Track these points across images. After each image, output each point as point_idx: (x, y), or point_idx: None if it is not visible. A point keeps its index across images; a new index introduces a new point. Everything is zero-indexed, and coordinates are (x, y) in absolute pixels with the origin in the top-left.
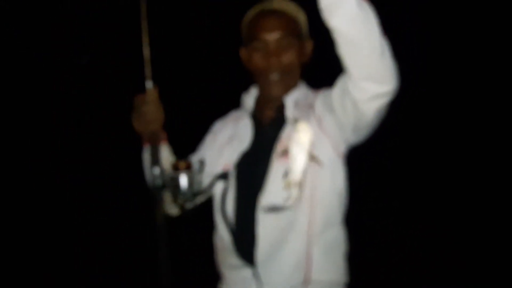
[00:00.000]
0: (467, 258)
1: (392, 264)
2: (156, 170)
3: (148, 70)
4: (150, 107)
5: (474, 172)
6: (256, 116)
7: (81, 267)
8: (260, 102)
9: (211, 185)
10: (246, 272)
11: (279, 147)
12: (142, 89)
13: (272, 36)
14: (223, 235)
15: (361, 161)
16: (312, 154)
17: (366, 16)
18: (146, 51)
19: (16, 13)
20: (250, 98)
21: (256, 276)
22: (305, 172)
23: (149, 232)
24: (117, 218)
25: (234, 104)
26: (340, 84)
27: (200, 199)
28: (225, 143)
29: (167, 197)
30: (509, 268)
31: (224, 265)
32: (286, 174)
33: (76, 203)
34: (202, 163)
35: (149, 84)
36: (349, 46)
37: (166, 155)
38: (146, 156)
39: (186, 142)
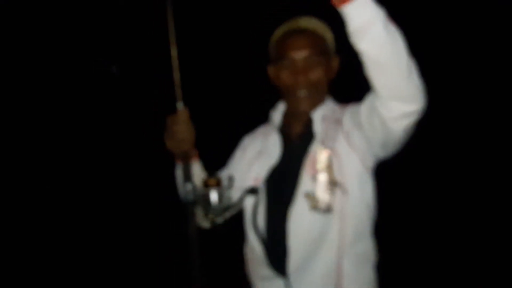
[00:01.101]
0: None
1: (421, 274)
2: (188, 186)
3: (178, 92)
4: (181, 127)
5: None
6: (284, 131)
7: (116, 280)
8: (287, 118)
9: (241, 200)
10: (278, 283)
11: (307, 161)
12: (173, 106)
13: (299, 55)
14: (254, 247)
15: (387, 173)
16: (333, 179)
17: (394, 39)
18: (177, 75)
19: (48, 20)
20: (277, 113)
21: (288, 286)
22: (328, 196)
23: (182, 244)
24: (152, 231)
25: (262, 120)
26: (368, 102)
27: (230, 214)
28: (255, 158)
29: (198, 211)
30: (509, 268)
31: (255, 276)
32: (308, 195)
33: (114, 216)
34: (231, 179)
35: (180, 105)
36: (377, 68)
37: (198, 171)
38: (179, 172)
39: (217, 157)
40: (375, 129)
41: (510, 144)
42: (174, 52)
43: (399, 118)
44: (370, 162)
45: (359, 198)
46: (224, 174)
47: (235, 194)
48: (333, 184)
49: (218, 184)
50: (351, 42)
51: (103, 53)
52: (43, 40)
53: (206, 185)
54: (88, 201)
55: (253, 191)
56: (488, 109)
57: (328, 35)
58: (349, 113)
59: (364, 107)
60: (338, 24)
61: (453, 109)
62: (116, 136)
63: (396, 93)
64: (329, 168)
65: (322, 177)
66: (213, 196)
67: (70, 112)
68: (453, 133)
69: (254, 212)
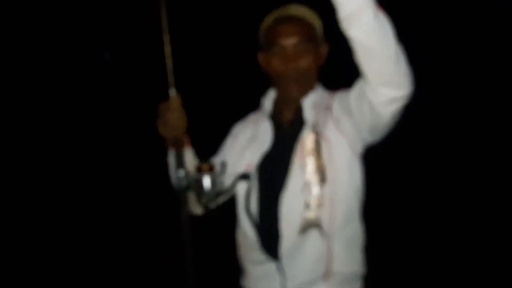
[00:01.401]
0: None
1: (407, 256)
2: (181, 173)
3: (171, 79)
4: (173, 114)
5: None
6: (275, 118)
7: (109, 264)
8: (278, 105)
9: (233, 185)
10: (270, 266)
11: (299, 147)
12: (166, 92)
13: (289, 41)
14: (247, 232)
15: (376, 158)
16: (321, 164)
17: (382, 26)
18: (169, 62)
19: (42, 10)
20: (268, 101)
21: (280, 269)
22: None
23: (174, 230)
24: (144, 218)
25: (252, 107)
26: (358, 88)
27: (222, 199)
28: (246, 144)
29: (191, 197)
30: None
31: (247, 260)
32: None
33: (102, 204)
34: (224, 165)
35: (172, 92)
36: (366, 54)
37: (190, 158)
38: (171, 159)
39: (208, 145)
40: (364, 114)
41: (501, 137)
42: (166, 39)
43: (387, 103)
44: (359, 147)
45: (348, 182)
46: (217, 160)
47: (227, 181)
48: (320, 169)
49: (211, 170)
50: (341, 29)
51: (96, 39)
52: (35, 30)
53: (199, 171)
54: (82, 187)
55: (245, 176)
56: (480, 101)
57: (317, 22)
58: (338, 99)
59: (353, 93)
60: (327, 12)
61: (443, 100)
62: (109, 124)
63: (385, 78)
64: (317, 152)
65: (310, 162)
66: (206, 181)
67: (64, 102)
68: (443, 120)
69: (247, 197)
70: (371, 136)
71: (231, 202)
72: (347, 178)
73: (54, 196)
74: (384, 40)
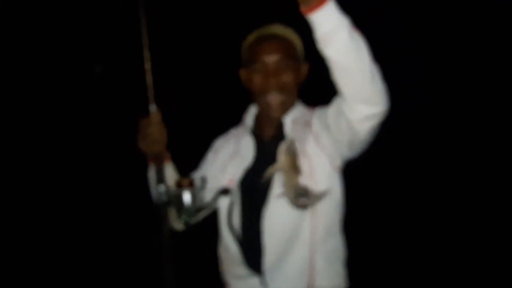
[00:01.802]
0: (467, 259)
1: (389, 268)
2: (161, 188)
3: (151, 95)
4: (154, 129)
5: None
6: (257, 134)
7: (88, 282)
8: (259, 120)
9: (214, 200)
10: (254, 280)
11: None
12: (146, 109)
13: (271, 58)
14: (229, 247)
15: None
16: (298, 165)
17: (358, 46)
18: (149, 78)
19: (34, 20)
20: (249, 116)
21: (263, 284)
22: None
23: (155, 245)
24: (123, 233)
25: (232, 122)
26: (335, 105)
27: (203, 215)
28: (228, 159)
29: (171, 213)
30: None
31: (230, 276)
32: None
33: (82, 217)
34: (204, 180)
35: (152, 108)
36: (342, 73)
37: (170, 173)
38: (151, 174)
39: (189, 159)
40: (342, 131)
41: (497, 140)
42: (147, 55)
43: (364, 120)
44: (338, 162)
45: (328, 196)
46: (197, 175)
47: (208, 196)
48: (297, 169)
49: (191, 185)
50: (318, 48)
51: (84, 54)
52: (30, 40)
53: (179, 186)
54: (65, 203)
55: (225, 191)
56: (476, 104)
57: (298, 42)
58: (317, 115)
59: (331, 110)
60: (306, 32)
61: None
62: (90, 137)
63: (361, 96)
64: (293, 154)
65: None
66: (186, 196)
67: (57, 111)
68: (424, 128)
69: (229, 212)
70: (349, 151)
71: (212, 217)
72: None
73: (54, 196)
74: (360, 59)
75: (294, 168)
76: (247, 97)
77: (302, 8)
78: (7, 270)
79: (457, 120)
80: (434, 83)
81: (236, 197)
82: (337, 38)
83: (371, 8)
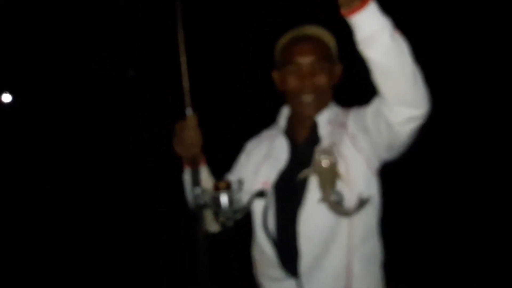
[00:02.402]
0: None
1: (424, 272)
2: (198, 190)
3: (187, 98)
4: (190, 133)
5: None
6: (290, 135)
7: (124, 283)
8: (292, 122)
9: (250, 202)
10: (289, 283)
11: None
12: (182, 111)
13: (306, 60)
14: (265, 249)
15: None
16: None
17: (400, 48)
18: (186, 82)
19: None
20: (282, 117)
21: (299, 286)
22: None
23: (191, 249)
24: (160, 236)
25: (264, 124)
26: (375, 106)
27: (239, 216)
28: (261, 161)
29: (208, 215)
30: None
31: (264, 277)
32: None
33: (123, 221)
34: (240, 183)
35: (189, 111)
36: (384, 75)
37: (205, 176)
38: (187, 177)
39: (222, 162)
40: (381, 133)
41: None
42: (183, 59)
43: (405, 122)
44: (375, 164)
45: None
46: (232, 177)
47: (243, 198)
48: (336, 173)
49: (228, 187)
50: (358, 50)
51: (117, 58)
52: (59, 43)
53: (217, 188)
54: (94, 205)
55: (261, 194)
56: (489, 110)
57: (332, 43)
58: (353, 116)
59: (370, 111)
60: (341, 32)
61: (456, 111)
62: (125, 140)
63: (402, 98)
64: (332, 157)
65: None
66: (223, 199)
67: (77, 114)
68: (456, 134)
69: (264, 215)
70: (387, 153)
71: (245, 219)
72: (365, 194)
73: (54, 196)
74: (401, 61)
75: (333, 172)
76: (279, 99)
77: (343, 11)
78: (7, 270)
79: (462, 122)
80: (437, 85)
81: (270, 199)
82: (379, 40)
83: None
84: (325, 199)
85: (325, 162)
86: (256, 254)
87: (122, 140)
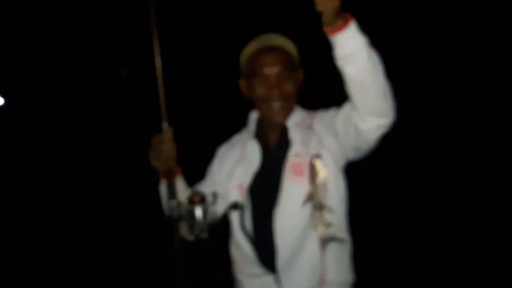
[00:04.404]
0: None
1: (392, 262)
2: (173, 203)
3: (163, 112)
4: (166, 147)
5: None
6: (260, 139)
7: (105, 267)
8: (262, 126)
9: (225, 215)
10: (268, 278)
11: (287, 166)
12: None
13: (272, 70)
14: (243, 248)
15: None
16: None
17: (375, 65)
18: (162, 96)
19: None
20: (252, 123)
21: (277, 281)
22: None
23: (168, 255)
24: (136, 243)
25: (233, 129)
26: (345, 112)
27: (213, 228)
28: (234, 165)
29: (183, 226)
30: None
31: (243, 275)
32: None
33: (96, 230)
34: (215, 196)
35: (165, 125)
36: (358, 88)
37: (182, 187)
38: (163, 189)
39: (193, 168)
40: (349, 136)
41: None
42: (159, 74)
43: (373, 130)
44: (342, 162)
45: (334, 195)
46: (207, 188)
47: (218, 208)
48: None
49: (202, 201)
50: (336, 65)
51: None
52: (49, 43)
53: (191, 202)
54: (91, 205)
55: (235, 206)
56: (484, 109)
57: (294, 51)
58: (320, 118)
59: (340, 117)
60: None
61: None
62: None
63: (373, 109)
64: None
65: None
66: (198, 212)
67: (68, 114)
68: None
69: (241, 216)
70: (354, 154)
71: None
72: (333, 191)
73: (54, 196)
74: (375, 77)
75: (324, 183)
76: (244, 104)
77: (325, 29)
78: (7, 270)
79: (458, 123)
80: (435, 87)
81: (247, 200)
82: (357, 58)
83: (373, 13)
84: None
85: (323, 173)
86: (235, 253)
87: (118, 141)
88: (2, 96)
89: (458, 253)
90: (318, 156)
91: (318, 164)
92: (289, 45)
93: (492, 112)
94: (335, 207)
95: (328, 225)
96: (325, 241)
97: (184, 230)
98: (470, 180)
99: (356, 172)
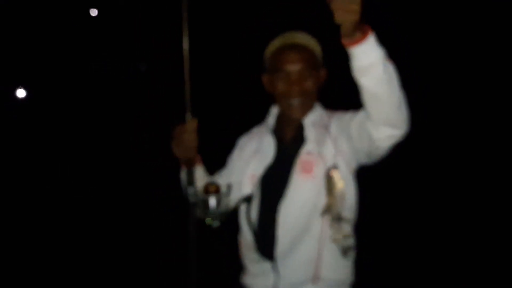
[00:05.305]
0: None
1: (396, 267)
2: (191, 190)
3: (188, 103)
4: (188, 137)
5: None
6: (277, 134)
7: (109, 262)
8: (280, 121)
9: (237, 206)
10: (266, 265)
11: (298, 162)
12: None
13: (294, 68)
14: (246, 236)
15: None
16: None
17: (390, 77)
18: (187, 88)
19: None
20: (271, 117)
21: (274, 269)
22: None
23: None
24: (148, 219)
25: (254, 122)
26: (360, 119)
27: (225, 219)
28: (251, 155)
29: (197, 213)
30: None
31: (247, 259)
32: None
33: (104, 205)
34: (229, 187)
35: (188, 116)
36: (373, 99)
37: (201, 175)
38: (183, 176)
39: (216, 157)
40: (363, 142)
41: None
42: (186, 66)
43: (386, 139)
44: (354, 166)
45: (348, 200)
46: (226, 175)
47: (233, 190)
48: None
49: (217, 191)
50: (352, 75)
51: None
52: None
53: (206, 191)
54: (90, 199)
55: (248, 199)
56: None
57: (317, 49)
58: (337, 120)
59: (355, 122)
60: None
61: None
62: (126, 140)
63: (387, 119)
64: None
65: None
66: (212, 201)
67: (78, 113)
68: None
69: (249, 206)
70: (365, 159)
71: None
72: (347, 198)
73: (54, 196)
74: (390, 89)
75: (342, 194)
76: (267, 99)
77: (344, 41)
78: (7, 270)
79: (458, 124)
80: (435, 88)
81: (257, 190)
82: (373, 71)
83: (376, 15)
84: (329, 214)
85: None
86: (241, 238)
87: (122, 139)
88: (25, 89)
89: (459, 254)
90: (335, 167)
91: (336, 175)
92: (313, 44)
93: (494, 113)
94: (348, 213)
95: (347, 236)
96: (345, 251)
97: (200, 215)
98: (470, 183)
99: (364, 176)
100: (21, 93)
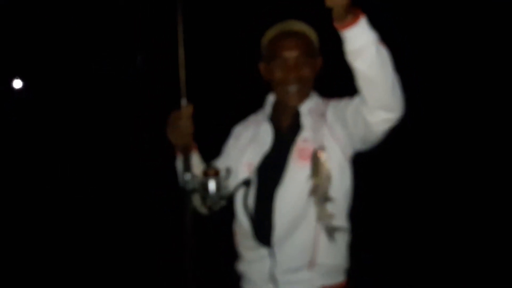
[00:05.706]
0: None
1: (390, 255)
2: (188, 176)
3: (183, 89)
4: (184, 123)
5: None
6: (274, 121)
7: (108, 261)
8: (277, 109)
9: (236, 190)
10: (263, 251)
11: (295, 150)
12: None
13: (291, 54)
14: (243, 223)
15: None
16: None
17: (384, 60)
18: (182, 73)
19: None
20: (268, 105)
21: (271, 255)
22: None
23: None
24: (146, 215)
25: (250, 110)
26: (355, 104)
27: (225, 202)
28: (247, 144)
29: (196, 200)
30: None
31: (242, 246)
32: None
33: (103, 203)
34: (228, 171)
35: (183, 102)
36: (367, 82)
37: (197, 162)
38: (179, 163)
39: (212, 146)
40: (358, 128)
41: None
42: (181, 52)
43: (381, 123)
44: (349, 153)
45: (338, 184)
46: (221, 164)
47: (230, 184)
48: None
49: (216, 174)
50: (346, 59)
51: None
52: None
53: (206, 175)
54: (87, 195)
55: (247, 183)
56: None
57: (314, 37)
58: (332, 108)
59: (350, 108)
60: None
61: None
62: (121, 130)
63: (381, 103)
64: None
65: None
66: (211, 185)
67: (71, 108)
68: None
69: (246, 193)
70: (362, 145)
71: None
72: (338, 180)
73: (54, 196)
74: (384, 72)
75: (328, 176)
76: (264, 87)
77: (336, 24)
78: (7, 270)
79: (456, 121)
80: (433, 85)
81: (253, 179)
82: (366, 54)
83: (374, 12)
84: (315, 195)
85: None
86: (236, 227)
87: (120, 137)
88: (23, 81)
89: (457, 250)
90: (321, 148)
91: (322, 157)
92: (310, 32)
93: (494, 111)
94: (339, 197)
95: (330, 216)
96: (330, 231)
97: (197, 203)
98: (468, 177)
99: (360, 163)
100: (17, 83)
